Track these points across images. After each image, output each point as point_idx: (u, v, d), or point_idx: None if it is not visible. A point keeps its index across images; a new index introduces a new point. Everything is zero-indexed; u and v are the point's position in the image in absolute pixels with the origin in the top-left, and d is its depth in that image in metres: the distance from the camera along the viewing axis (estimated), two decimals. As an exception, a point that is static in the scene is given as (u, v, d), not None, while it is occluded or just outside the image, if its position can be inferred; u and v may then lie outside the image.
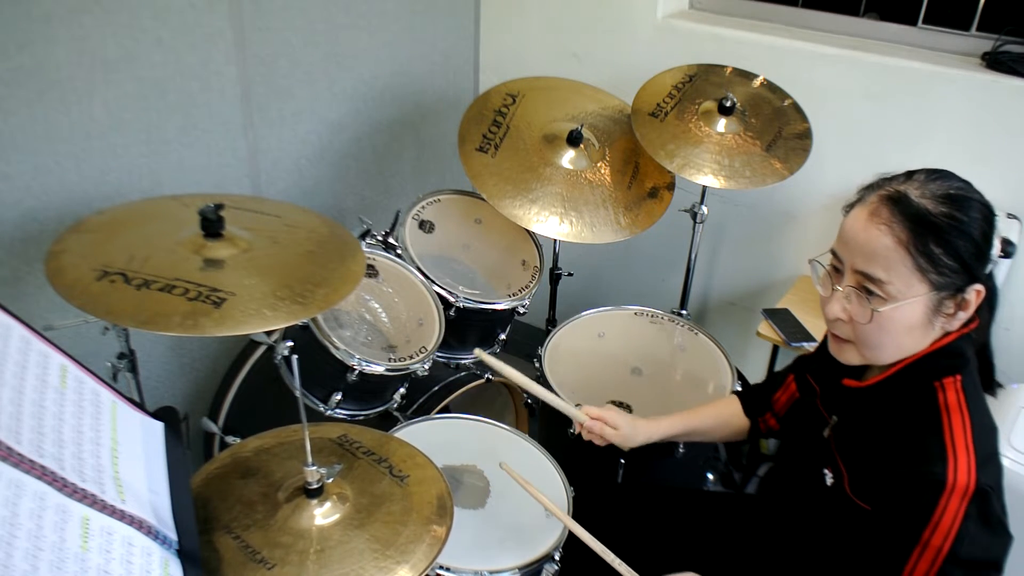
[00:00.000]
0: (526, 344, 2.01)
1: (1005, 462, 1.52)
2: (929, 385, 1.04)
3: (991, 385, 1.14)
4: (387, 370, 1.54)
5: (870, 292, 1.02)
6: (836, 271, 1.08)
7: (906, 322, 1.02)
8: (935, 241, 0.98)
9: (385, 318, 1.75)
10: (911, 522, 0.97)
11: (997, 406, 1.59)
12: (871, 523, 1.03)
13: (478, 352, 1.50)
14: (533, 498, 1.28)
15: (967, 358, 1.06)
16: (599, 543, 1.21)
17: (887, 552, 1.00)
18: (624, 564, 1.19)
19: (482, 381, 1.78)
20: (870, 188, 1.07)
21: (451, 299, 1.74)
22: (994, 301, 1.11)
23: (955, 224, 0.99)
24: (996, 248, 1.04)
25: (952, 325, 1.04)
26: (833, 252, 1.09)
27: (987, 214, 1.03)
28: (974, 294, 1.02)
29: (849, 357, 1.10)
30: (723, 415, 1.47)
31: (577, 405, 1.42)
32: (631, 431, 1.38)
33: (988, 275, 1.05)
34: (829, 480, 1.13)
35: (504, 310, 1.84)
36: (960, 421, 1.00)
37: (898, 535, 0.99)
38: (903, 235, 0.99)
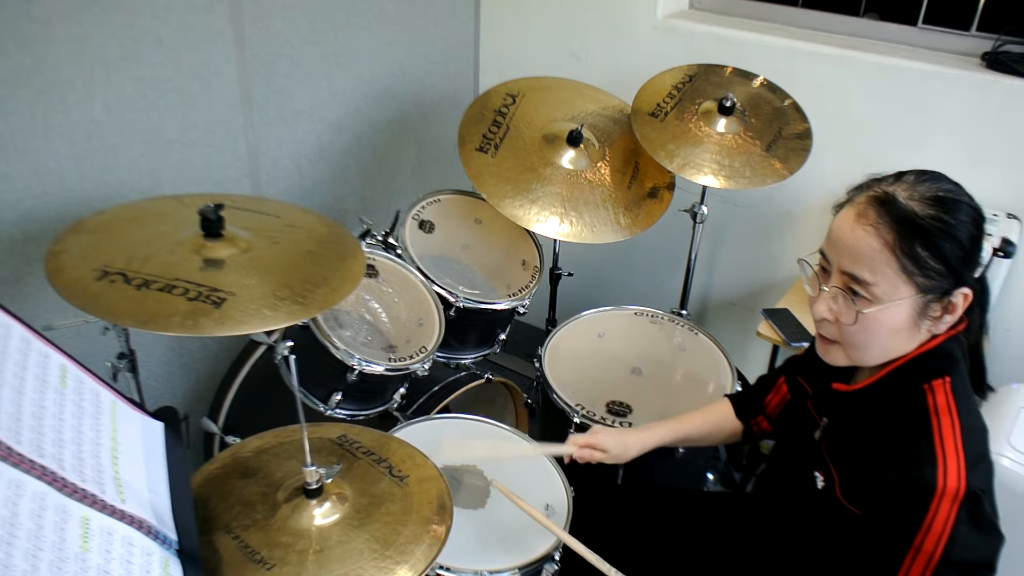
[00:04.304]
0: (526, 344, 2.01)
1: (1005, 462, 1.53)
2: (918, 388, 1.04)
3: (982, 388, 1.13)
4: (387, 370, 1.54)
5: (856, 293, 1.02)
6: (824, 271, 1.08)
7: (891, 324, 1.02)
8: (921, 244, 0.98)
9: (385, 318, 1.75)
10: (903, 527, 0.97)
11: (997, 406, 1.60)
12: (862, 528, 1.03)
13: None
14: (526, 513, 1.28)
15: (956, 359, 1.05)
16: (591, 552, 1.21)
17: (880, 558, 1.00)
18: (608, 564, 1.19)
19: (482, 381, 1.78)
20: (859, 189, 1.07)
21: (451, 299, 1.74)
22: (985, 303, 1.10)
23: (942, 227, 0.98)
24: (986, 251, 1.03)
25: (939, 328, 1.04)
26: (821, 252, 1.08)
27: (976, 217, 1.02)
28: (961, 297, 1.01)
29: (835, 358, 1.10)
30: (715, 419, 1.46)
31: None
32: (622, 449, 1.38)
33: (978, 278, 1.05)
34: (820, 483, 1.12)
35: (504, 310, 1.84)
36: (950, 424, 0.99)
37: (890, 541, 0.98)
38: (889, 237, 0.98)
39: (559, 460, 1.48)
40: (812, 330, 1.95)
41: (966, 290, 1.01)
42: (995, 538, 1.00)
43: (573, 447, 1.39)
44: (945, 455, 0.97)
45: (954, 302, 1.01)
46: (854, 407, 1.12)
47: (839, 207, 1.08)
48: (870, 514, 1.02)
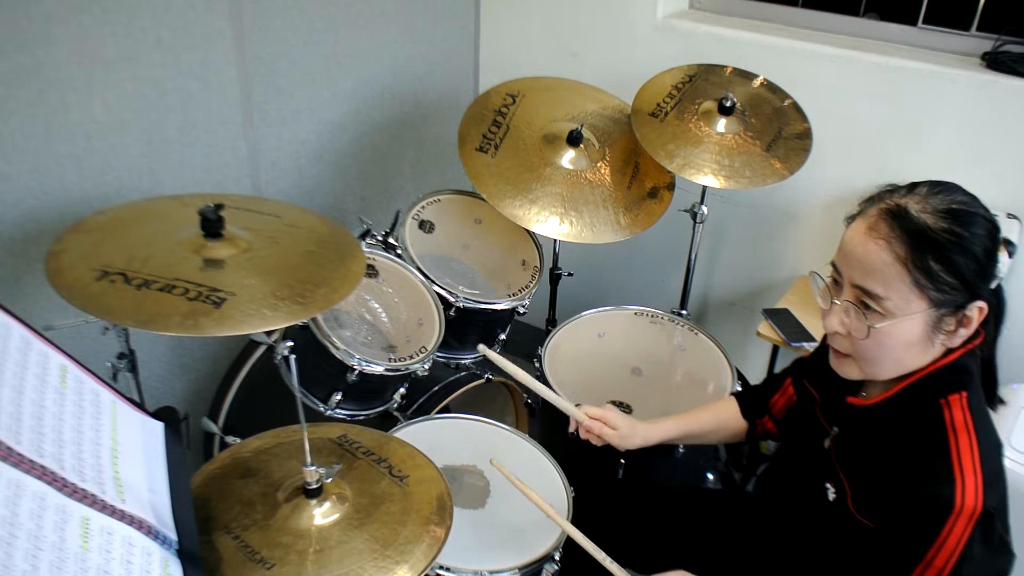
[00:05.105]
0: (526, 344, 2.01)
1: (1005, 462, 1.52)
2: (935, 403, 1.02)
3: (992, 400, 1.11)
4: (387, 370, 1.54)
5: (868, 307, 1.00)
6: (836, 284, 1.06)
7: (905, 338, 1.00)
8: (934, 258, 0.96)
9: (385, 318, 1.75)
10: (916, 542, 0.96)
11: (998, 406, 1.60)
12: (874, 540, 1.02)
13: (482, 348, 1.50)
14: (523, 494, 1.28)
15: (972, 374, 1.04)
16: (587, 539, 1.21)
17: (889, 569, 0.99)
18: (614, 562, 1.19)
19: (482, 381, 1.78)
20: (871, 200, 1.04)
21: (451, 299, 1.74)
22: (1001, 315, 1.08)
23: (956, 240, 0.96)
24: (1002, 264, 1.02)
25: (953, 342, 1.02)
26: (833, 265, 1.06)
27: (991, 229, 1.00)
28: (976, 311, 0.99)
29: (849, 371, 1.08)
30: (721, 418, 1.46)
31: (577, 405, 1.42)
32: (630, 432, 1.37)
33: (993, 291, 1.03)
34: (831, 495, 1.11)
35: (504, 310, 1.84)
36: (967, 441, 0.98)
37: (902, 553, 0.97)
38: (901, 251, 0.97)
39: (557, 458, 1.49)
40: (812, 330, 1.96)
41: (981, 304, 0.99)
42: (1005, 556, 1.00)
43: (584, 415, 1.38)
44: (963, 473, 0.95)
45: (969, 316, 0.99)
46: (868, 421, 1.10)
47: (851, 219, 1.05)
48: (884, 526, 1.01)
